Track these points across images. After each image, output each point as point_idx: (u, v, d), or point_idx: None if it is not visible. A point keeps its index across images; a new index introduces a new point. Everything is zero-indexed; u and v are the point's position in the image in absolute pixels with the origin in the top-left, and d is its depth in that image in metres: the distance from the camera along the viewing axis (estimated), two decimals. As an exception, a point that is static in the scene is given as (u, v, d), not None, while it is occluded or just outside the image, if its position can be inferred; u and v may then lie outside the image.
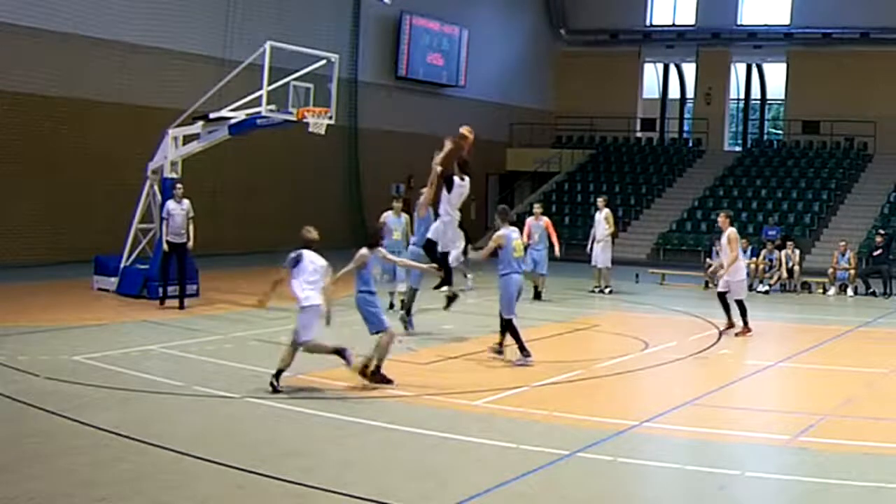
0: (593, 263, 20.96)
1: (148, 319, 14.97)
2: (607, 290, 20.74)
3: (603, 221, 20.99)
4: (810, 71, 35.22)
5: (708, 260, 23.62)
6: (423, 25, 33.45)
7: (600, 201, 21.71)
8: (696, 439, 9.00)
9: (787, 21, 35.85)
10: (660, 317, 18.08)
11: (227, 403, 9.72)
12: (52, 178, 22.20)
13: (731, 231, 15.26)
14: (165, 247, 16.22)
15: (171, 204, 16.37)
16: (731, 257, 15.09)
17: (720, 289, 15.52)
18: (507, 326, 12.19)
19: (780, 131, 38.94)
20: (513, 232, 12.35)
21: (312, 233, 10.41)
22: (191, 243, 16.47)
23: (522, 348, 12.14)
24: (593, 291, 20.87)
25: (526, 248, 18.43)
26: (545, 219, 19.63)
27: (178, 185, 16.66)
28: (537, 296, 19.16)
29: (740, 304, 15.05)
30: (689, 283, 23.34)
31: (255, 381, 10.61)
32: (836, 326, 16.49)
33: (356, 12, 30.90)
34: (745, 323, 14.97)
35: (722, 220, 15.56)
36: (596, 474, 7.73)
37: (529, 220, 19.67)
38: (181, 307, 16.06)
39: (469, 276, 17.81)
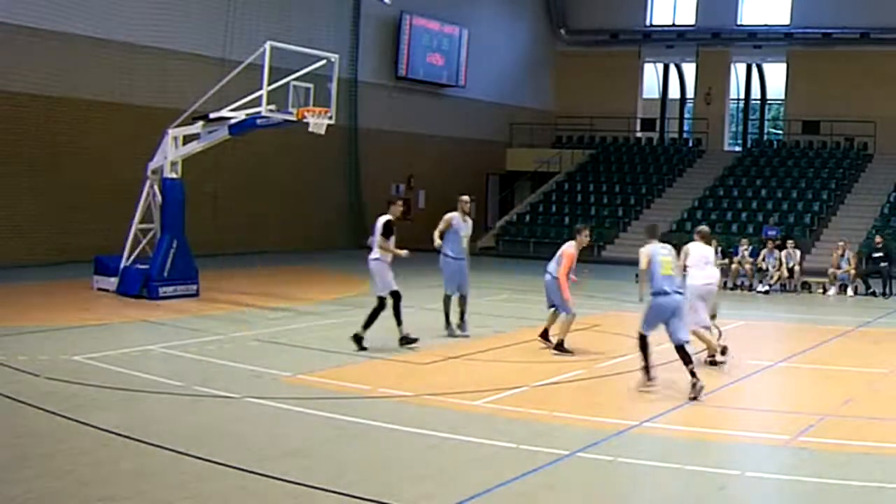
0: None
1: (148, 319, 14.96)
2: None
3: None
4: (810, 71, 35.23)
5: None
6: (423, 25, 33.45)
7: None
8: (696, 439, 9.00)
9: (787, 21, 35.88)
10: (660, 317, 17.98)
11: (227, 403, 9.71)
12: (52, 178, 22.21)
13: None
14: None
15: None
16: None
17: None
18: (444, 303, 14.01)
19: (780, 131, 38.95)
20: (465, 225, 14.12)
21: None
22: None
23: (452, 321, 13.88)
24: None
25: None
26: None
27: None
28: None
29: None
30: (689, 283, 23.24)
31: (255, 381, 10.63)
32: (836, 326, 16.46)
33: (356, 12, 30.91)
34: None
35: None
36: (596, 474, 7.72)
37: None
38: None
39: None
